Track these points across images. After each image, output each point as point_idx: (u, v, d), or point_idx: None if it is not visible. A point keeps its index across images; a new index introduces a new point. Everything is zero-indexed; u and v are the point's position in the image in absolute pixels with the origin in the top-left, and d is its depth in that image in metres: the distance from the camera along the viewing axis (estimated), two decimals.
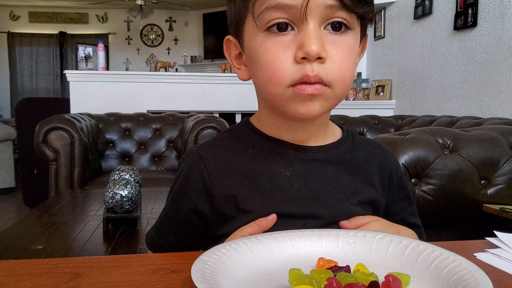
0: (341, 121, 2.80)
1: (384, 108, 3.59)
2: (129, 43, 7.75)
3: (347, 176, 0.57)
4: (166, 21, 7.79)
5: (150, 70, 6.96)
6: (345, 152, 0.59)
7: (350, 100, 3.90)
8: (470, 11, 2.60)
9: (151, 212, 1.65)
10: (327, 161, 0.57)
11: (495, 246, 0.51)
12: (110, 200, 1.39)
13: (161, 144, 3.03)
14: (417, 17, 3.21)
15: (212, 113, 3.24)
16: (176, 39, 7.83)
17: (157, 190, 2.04)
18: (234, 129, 0.62)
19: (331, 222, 0.55)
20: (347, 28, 0.51)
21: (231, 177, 0.56)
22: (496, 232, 0.53)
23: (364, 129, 2.82)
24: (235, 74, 0.59)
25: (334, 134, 0.61)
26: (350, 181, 0.57)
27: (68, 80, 3.38)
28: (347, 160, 0.59)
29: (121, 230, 1.40)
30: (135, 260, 0.47)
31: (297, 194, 0.55)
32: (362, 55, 0.59)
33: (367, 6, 0.51)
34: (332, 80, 0.49)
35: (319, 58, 0.48)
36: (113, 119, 3.04)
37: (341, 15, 0.49)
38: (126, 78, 3.54)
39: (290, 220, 0.54)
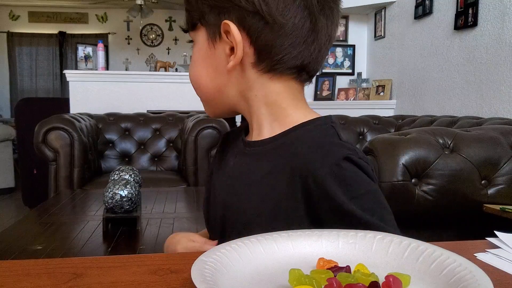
0: (341, 121, 2.80)
1: (384, 108, 3.59)
2: (128, 43, 7.74)
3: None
4: (166, 20, 7.78)
5: (150, 70, 6.95)
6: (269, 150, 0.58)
7: (350, 100, 3.90)
8: (470, 11, 2.60)
9: (151, 212, 1.65)
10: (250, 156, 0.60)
11: (496, 246, 0.51)
12: (110, 200, 1.39)
13: (161, 144, 3.03)
14: (417, 16, 3.21)
15: None
16: (176, 39, 7.82)
17: (157, 190, 2.04)
18: None
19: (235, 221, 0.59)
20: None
21: None
22: (496, 232, 0.53)
23: (365, 129, 2.82)
24: None
25: (277, 129, 0.58)
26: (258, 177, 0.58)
27: (67, 80, 3.38)
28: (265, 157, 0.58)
29: (120, 230, 1.40)
30: (135, 260, 0.46)
31: (226, 182, 0.62)
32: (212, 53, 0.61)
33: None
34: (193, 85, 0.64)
35: None
36: (113, 119, 3.04)
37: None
38: (126, 78, 3.54)
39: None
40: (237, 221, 0.58)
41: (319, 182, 0.51)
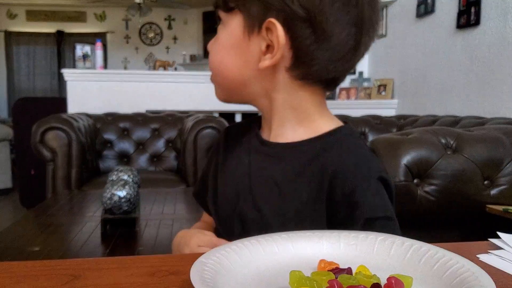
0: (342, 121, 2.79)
1: (386, 108, 3.58)
2: (127, 42, 7.74)
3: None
4: (165, 19, 7.78)
5: (148, 69, 6.95)
6: (298, 153, 0.58)
7: (351, 99, 3.89)
8: (473, 10, 2.60)
9: (150, 213, 1.65)
10: (272, 157, 0.59)
11: (498, 248, 0.51)
12: (108, 201, 1.38)
13: (160, 144, 3.02)
14: (419, 15, 3.21)
15: (212, 113, 3.23)
16: (175, 38, 7.82)
17: (155, 191, 2.03)
18: None
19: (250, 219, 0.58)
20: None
21: None
22: (499, 233, 0.53)
23: (366, 129, 2.81)
24: None
25: (309, 132, 0.59)
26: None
27: (65, 79, 3.37)
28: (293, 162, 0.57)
29: (119, 232, 1.39)
30: (134, 262, 0.46)
31: (240, 180, 0.61)
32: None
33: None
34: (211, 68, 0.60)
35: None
36: (111, 119, 3.03)
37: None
38: (125, 78, 3.54)
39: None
40: (258, 221, 0.57)
41: (347, 193, 0.53)
